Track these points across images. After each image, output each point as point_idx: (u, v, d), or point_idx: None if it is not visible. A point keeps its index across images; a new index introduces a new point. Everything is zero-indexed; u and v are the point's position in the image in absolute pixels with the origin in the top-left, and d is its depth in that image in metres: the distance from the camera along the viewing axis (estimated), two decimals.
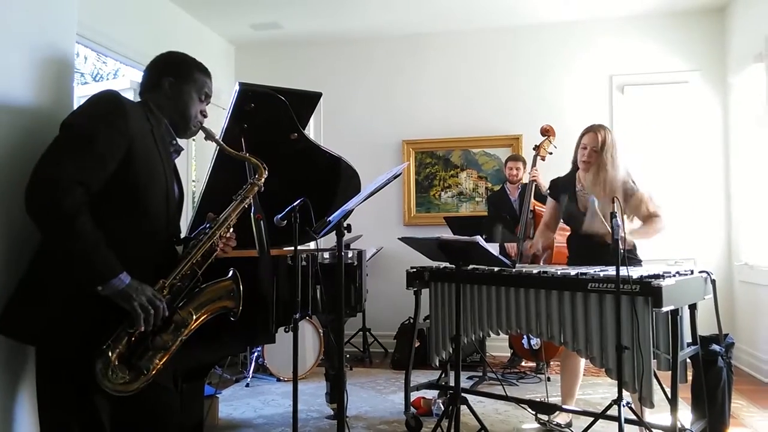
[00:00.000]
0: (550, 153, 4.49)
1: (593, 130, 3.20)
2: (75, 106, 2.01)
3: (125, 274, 1.62)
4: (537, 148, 4.45)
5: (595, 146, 3.14)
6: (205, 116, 1.98)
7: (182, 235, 2.04)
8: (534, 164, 4.43)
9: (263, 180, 2.03)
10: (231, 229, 1.93)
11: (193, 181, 5.38)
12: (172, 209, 1.88)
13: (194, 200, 4.04)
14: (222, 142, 2.06)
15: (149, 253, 1.78)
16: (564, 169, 3.49)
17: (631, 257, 3.10)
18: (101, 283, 1.59)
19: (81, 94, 4.50)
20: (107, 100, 1.72)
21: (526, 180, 4.59)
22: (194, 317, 1.78)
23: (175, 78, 1.89)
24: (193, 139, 5.32)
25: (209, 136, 2.00)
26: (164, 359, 1.71)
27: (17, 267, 1.72)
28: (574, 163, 3.31)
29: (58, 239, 1.59)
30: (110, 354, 1.62)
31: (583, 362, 3.28)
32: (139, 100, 1.91)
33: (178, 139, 1.95)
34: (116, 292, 1.61)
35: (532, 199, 4.41)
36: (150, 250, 1.79)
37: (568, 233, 3.89)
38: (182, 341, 1.76)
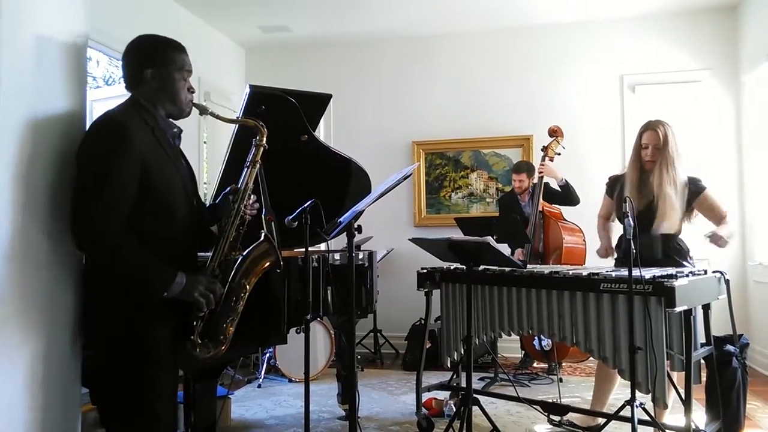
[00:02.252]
0: (558, 154, 4.48)
1: (651, 127, 3.12)
2: (88, 110, 2.04)
3: (180, 275, 1.81)
4: (545, 149, 4.44)
5: (657, 143, 3.07)
6: (192, 92, 2.01)
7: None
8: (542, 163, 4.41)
9: (265, 138, 2.09)
10: (252, 197, 2.07)
11: (205, 183, 5.41)
12: (192, 196, 2.01)
13: (207, 201, 4.04)
14: (216, 113, 2.08)
15: (186, 241, 1.96)
16: (572, 169, 3.47)
17: (684, 261, 3.09)
18: (164, 291, 1.80)
19: (94, 97, 4.55)
20: (110, 131, 1.79)
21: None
22: (247, 283, 1.99)
23: (154, 67, 1.90)
24: (204, 142, 5.41)
25: (203, 110, 2.05)
26: (234, 324, 1.96)
27: (42, 268, 1.81)
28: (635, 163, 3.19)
29: (115, 270, 1.79)
30: (193, 338, 1.89)
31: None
32: (129, 97, 1.94)
33: (176, 122, 2.01)
34: (178, 292, 1.81)
35: (541, 200, 4.39)
36: (185, 238, 1.95)
37: (579, 234, 3.88)
38: (243, 303, 1.97)
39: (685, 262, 3.09)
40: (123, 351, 1.82)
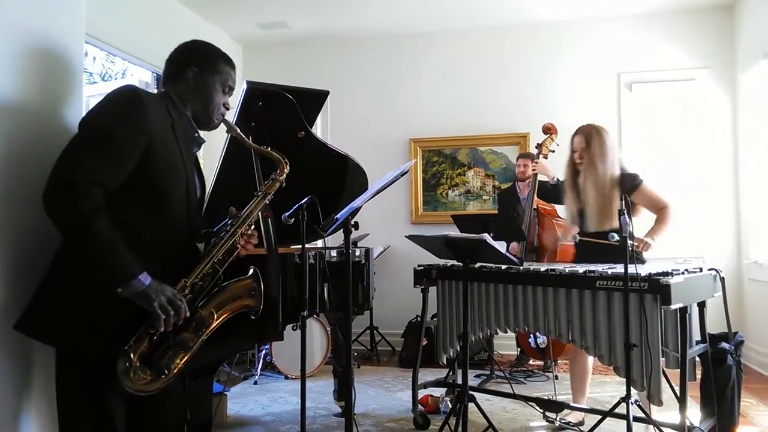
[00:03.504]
0: (553, 151, 4.48)
1: (578, 131, 3.27)
2: (84, 106, 2.03)
3: (145, 275, 1.60)
4: (539, 146, 4.45)
5: (583, 147, 3.21)
6: (227, 108, 1.94)
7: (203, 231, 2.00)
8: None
9: (284, 175, 1.98)
10: (252, 227, 1.90)
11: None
12: (194, 205, 1.85)
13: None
14: (243, 136, 1.99)
15: (171, 250, 1.75)
16: None
17: (637, 256, 3.11)
18: (121, 284, 1.57)
19: (90, 93, 4.53)
20: (126, 97, 1.68)
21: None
22: (215, 316, 1.75)
23: (199, 68, 1.84)
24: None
25: (231, 128, 1.96)
26: (185, 359, 1.69)
27: (36, 268, 1.71)
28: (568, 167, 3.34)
29: (77, 241, 1.58)
30: (132, 355, 1.61)
31: (591, 359, 3.28)
32: (162, 91, 1.88)
33: (200, 132, 1.91)
34: (136, 293, 1.58)
35: (536, 197, 4.40)
36: (172, 246, 1.76)
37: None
38: (203, 341, 1.73)
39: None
40: (78, 356, 1.64)
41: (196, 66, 1.84)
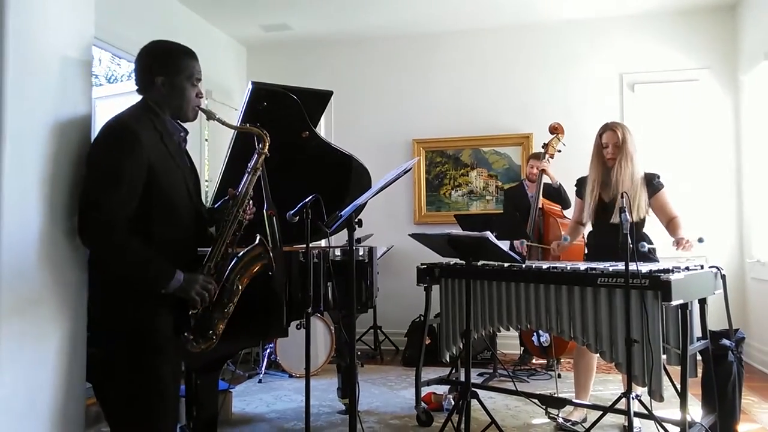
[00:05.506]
0: (559, 151, 4.52)
1: (610, 128, 3.29)
2: (93, 108, 2.08)
3: (179, 273, 1.89)
4: (546, 146, 4.48)
5: (616, 142, 3.22)
6: (200, 97, 2.08)
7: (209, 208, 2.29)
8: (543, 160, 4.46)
9: (267, 147, 2.15)
10: (251, 202, 2.13)
11: (206, 181, 5.44)
12: (194, 196, 2.09)
13: (208, 199, 4.10)
14: (222, 119, 2.14)
15: (187, 242, 2.04)
16: (578, 167, 3.51)
17: (651, 257, 3.16)
18: (163, 287, 1.88)
19: (96, 95, 4.58)
20: (121, 134, 1.88)
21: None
22: (240, 283, 2.06)
23: (164, 75, 1.98)
24: (206, 140, 5.45)
25: (210, 115, 2.10)
26: (225, 322, 2.03)
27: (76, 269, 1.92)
28: (597, 162, 3.34)
29: (120, 264, 1.87)
30: (187, 335, 1.98)
31: (596, 358, 3.30)
32: (140, 99, 2.02)
33: (182, 124, 2.09)
34: (176, 288, 1.89)
35: (541, 197, 4.43)
36: (187, 239, 2.04)
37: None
38: (235, 304, 2.05)
39: (651, 256, 3.17)
40: (126, 342, 1.87)
41: (162, 74, 1.98)
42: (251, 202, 2.13)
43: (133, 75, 2.11)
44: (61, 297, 1.87)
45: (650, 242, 3.24)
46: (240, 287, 2.07)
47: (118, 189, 1.83)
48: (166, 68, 1.99)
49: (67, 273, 1.90)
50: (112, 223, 1.81)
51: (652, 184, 3.22)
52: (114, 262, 1.88)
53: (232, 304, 2.05)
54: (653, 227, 3.34)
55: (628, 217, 2.55)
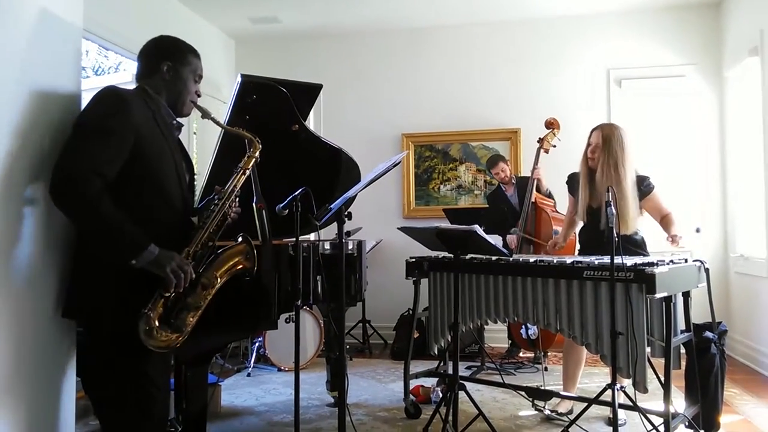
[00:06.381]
0: (554, 146, 4.54)
1: (597, 127, 3.32)
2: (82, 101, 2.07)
3: (153, 245, 1.78)
4: (541, 140, 4.50)
5: (598, 143, 3.24)
6: (199, 95, 2.12)
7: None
8: (537, 159, 4.47)
9: (258, 152, 2.15)
10: (237, 199, 2.10)
11: (195, 174, 5.40)
12: (185, 183, 2.06)
13: (196, 193, 4.07)
14: (216, 119, 2.16)
15: (171, 225, 1.95)
16: (566, 163, 3.54)
17: (642, 252, 3.22)
18: (134, 256, 1.76)
19: (83, 87, 4.54)
20: (111, 97, 1.86)
21: (529, 174, 4.61)
22: (217, 278, 1.96)
23: (172, 62, 2.02)
24: (194, 133, 5.42)
25: (205, 114, 2.11)
26: (196, 317, 1.89)
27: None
28: (582, 161, 3.38)
29: (88, 225, 1.78)
30: (151, 315, 1.80)
31: (585, 351, 3.34)
32: (136, 86, 2.02)
33: (177, 118, 2.09)
34: (149, 262, 1.77)
35: (534, 192, 4.46)
36: (170, 222, 1.95)
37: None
38: (208, 300, 1.93)
39: (642, 251, 3.23)
40: (115, 332, 1.82)
41: (169, 60, 2.02)
42: (237, 200, 2.10)
43: (121, 68, 2.11)
44: (18, 281, 1.76)
45: (643, 242, 3.30)
46: (217, 283, 1.95)
47: (100, 144, 1.76)
48: (173, 56, 2.04)
49: (28, 248, 1.79)
50: (88, 178, 1.70)
51: (641, 189, 3.21)
52: (85, 221, 1.76)
53: (206, 298, 1.93)
54: (645, 220, 3.34)
55: (614, 210, 2.57)
